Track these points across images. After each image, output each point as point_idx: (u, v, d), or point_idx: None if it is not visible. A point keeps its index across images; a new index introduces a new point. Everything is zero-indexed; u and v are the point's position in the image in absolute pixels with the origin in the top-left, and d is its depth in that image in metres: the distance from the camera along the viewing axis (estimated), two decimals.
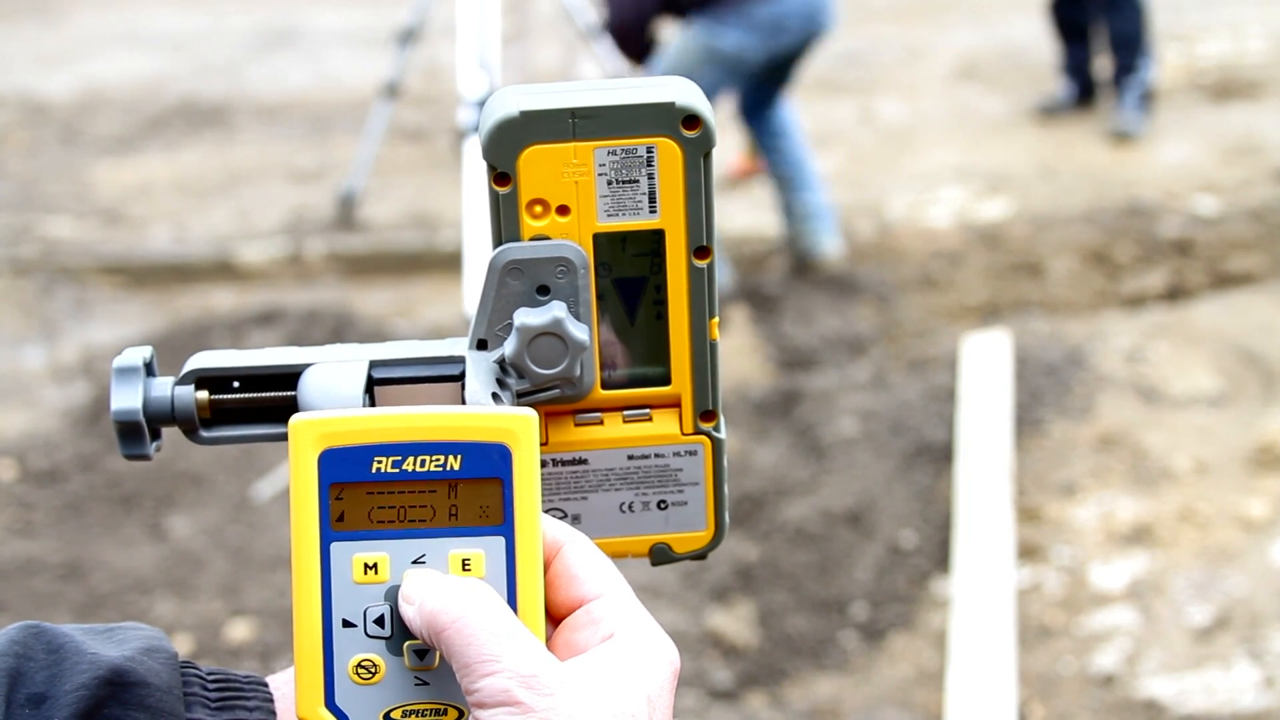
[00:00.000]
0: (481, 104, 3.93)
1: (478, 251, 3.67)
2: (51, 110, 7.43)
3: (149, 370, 0.78)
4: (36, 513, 3.74)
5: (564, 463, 0.82)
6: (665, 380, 0.81)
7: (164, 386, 0.77)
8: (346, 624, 0.71)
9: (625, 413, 0.82)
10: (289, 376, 0.78)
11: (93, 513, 3.72)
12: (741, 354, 4.44)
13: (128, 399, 0.76)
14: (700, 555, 0.85)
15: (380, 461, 0.70)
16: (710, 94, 4.70)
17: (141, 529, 3.65)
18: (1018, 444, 3.71)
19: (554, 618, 0.73)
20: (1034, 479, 3.58)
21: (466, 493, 0.71)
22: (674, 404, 0.82)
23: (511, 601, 0.70)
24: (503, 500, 0.71)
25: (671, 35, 4.96)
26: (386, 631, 0.71)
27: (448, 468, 0.70)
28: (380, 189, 5.85)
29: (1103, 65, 6.54)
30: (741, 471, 3.67)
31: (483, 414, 0.71)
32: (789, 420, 4.00)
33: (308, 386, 0.77)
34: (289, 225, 5.64)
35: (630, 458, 0.82)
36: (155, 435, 0.78)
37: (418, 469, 0.70)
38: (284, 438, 0.79)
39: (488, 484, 0.71)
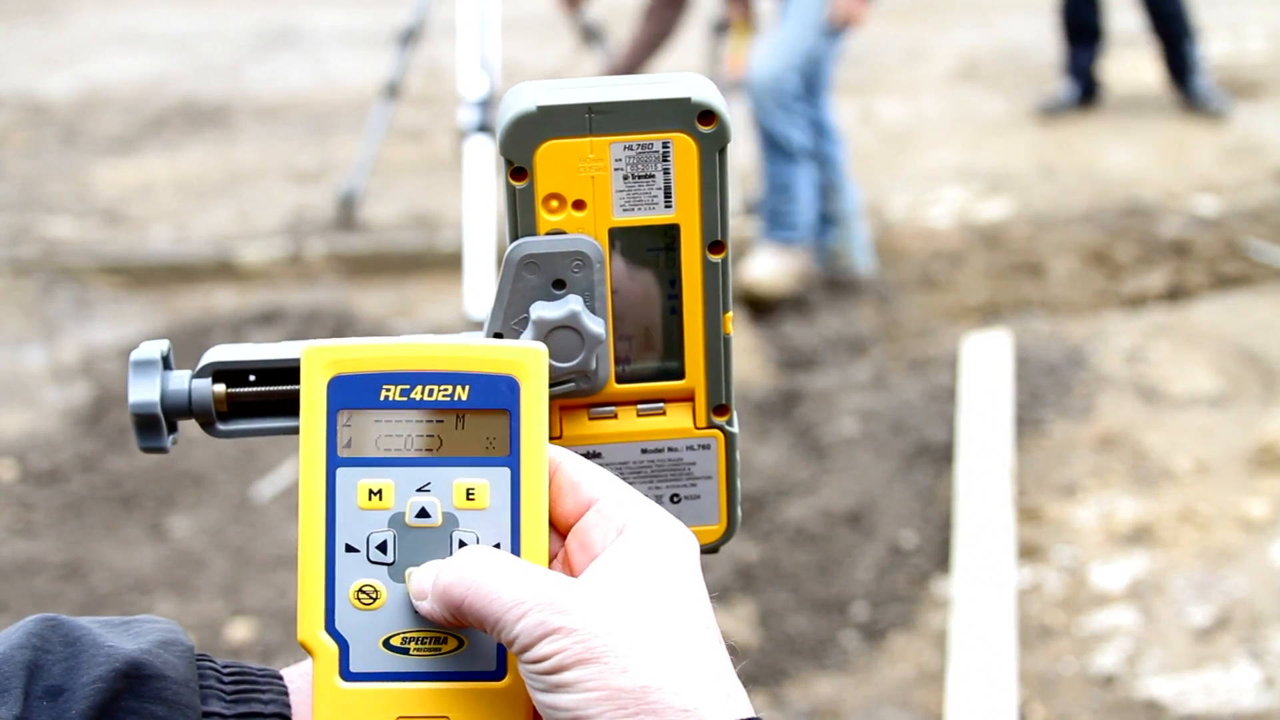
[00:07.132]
0: (482, 104, 3.94)
1: (478, 252, 3.66)
2: (51, 110, 7.42)
3: (166, 363, 0.78)
4: (36, 513, 3.73)
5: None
6: (679, 374, 0.81)
7: (181, 380, 0.78)
8: (350, 549, 0.71)
9: (639, 406, 0.82)
10: None
11: (93, 513, 3.72)
12: (742, 354, 4.44)
13: (145, 391, 0.77)
14: (713, 549, 0.85)
15: (389, 389, 0.71)
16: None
17: (141, 529, 3.65)
18: (1018, 444, 3.71)
19: (562, 531, 0.73)
20: (1034, 479, 3.59)
21: (474, 423, 0.71)
22: (687, 398, 0.82)
23: (515, 530, 0.71)
24: (510, 432, 0.71)
25: None
26: (389, 558, 0.71)
27: (455, 398, 0.71)
28: (380, 189, 5.85)
29: (1105, 66, 6.54)
30: (742, 472, 3.66)
31: (492, 345, 0.72)
32: (789, 420, 4.00)
33: None
34: (289, 225, 5.63)
35: (644, 451, 0.82)
36: (172, 428, 0.78)
37: (425, 398, 0.71)
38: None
39: (495, 415, 0.71)
